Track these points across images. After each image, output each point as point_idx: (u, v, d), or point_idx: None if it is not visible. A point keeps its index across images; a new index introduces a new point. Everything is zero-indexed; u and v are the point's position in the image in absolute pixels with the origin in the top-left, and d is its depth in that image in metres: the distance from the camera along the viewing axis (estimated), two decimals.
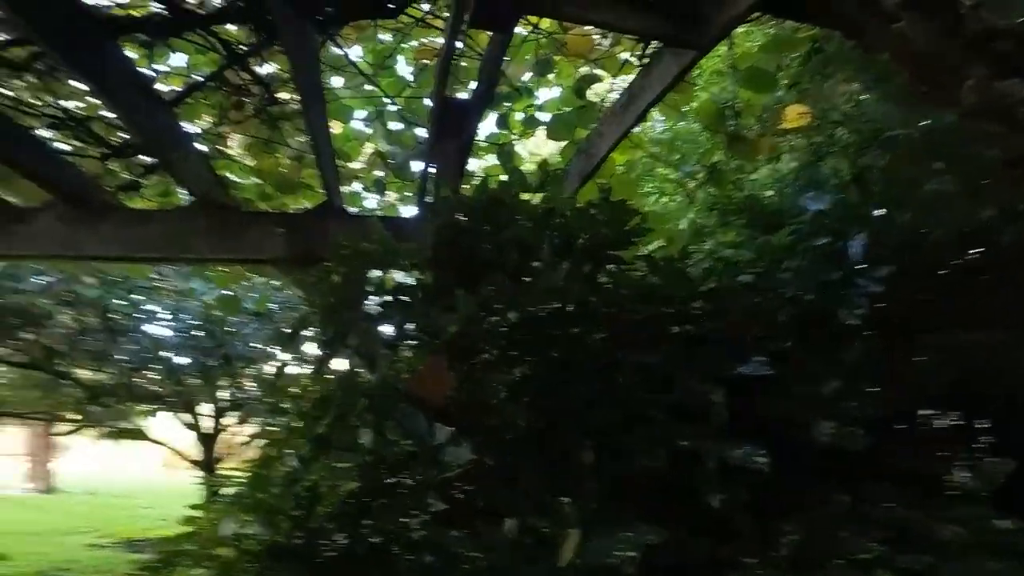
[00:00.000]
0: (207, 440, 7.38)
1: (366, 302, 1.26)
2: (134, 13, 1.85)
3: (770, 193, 2.04)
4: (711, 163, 2.36)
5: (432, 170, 1.90)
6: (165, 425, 7.89)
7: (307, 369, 1.49)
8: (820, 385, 1.09)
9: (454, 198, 1.40)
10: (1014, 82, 0.94)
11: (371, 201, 2.86)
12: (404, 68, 2.46)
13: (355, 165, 2.74)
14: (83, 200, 2.04)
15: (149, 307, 5.78)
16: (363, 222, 1.97)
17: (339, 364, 1.29)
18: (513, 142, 2.67)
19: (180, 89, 2.15)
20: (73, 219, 1.99)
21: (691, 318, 1.22)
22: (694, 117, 2.68)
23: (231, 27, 1.95)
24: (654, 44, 1.80)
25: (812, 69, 2.41)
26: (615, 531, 0.97)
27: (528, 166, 3.10)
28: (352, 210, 2.49)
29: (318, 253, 1.83)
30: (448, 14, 1.97)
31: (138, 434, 6.42)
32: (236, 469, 1.65)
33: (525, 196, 1.48)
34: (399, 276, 1.43)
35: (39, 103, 2.21)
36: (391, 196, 2.74)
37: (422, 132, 2.46)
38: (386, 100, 2.41)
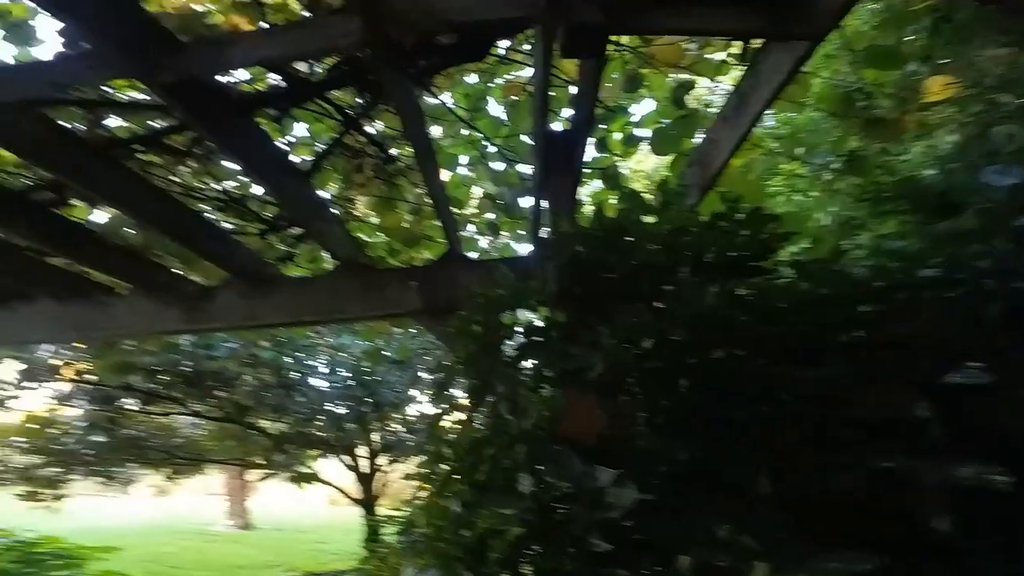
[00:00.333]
0: (365, 479, 7.95)
1: (505, 346, 1.26)
2: (259, 87, 1.98)
3: (930, 173, 1.77)
4: (847, 151, 2.10)
5: (544, 205, 1.89)
6: (329, 466, 8.58)
7: (456, 415, 1.51)
8: None
9: (573, 231, 1.36)
10: None
11: (484, 243, 2.92)
12: (493, 107, 2.52)
13: (467, 210, 2.82)
14: (253, 274, 2.32)
15: (311, 363, 6.50)
16: (486, 267, 2.02)
17: (486, 408, 1.29)
18: (616, 164, 2.59)
19: (308, 158, 2.34)
20: (247, 293, 2.28)
21: (861, 323, 1.06)
22: (815, 106, 2.43)
23: (336, 90, 2.07)
24: (756, 41, 1.67)
25: (944, 39, 2.11)
26: (807, 561, 0.85)
27: (634, 185, 3.00)
28: (471, 255, 2.55)
29: (449, 302, 1.89)
30: (531, 47, 1.99)
31: (312, 478, 7.11)
32: (395, 509, 1.70)
33: (646, 218, 1.41)
34: (530, 316, 1.42)
35: (203, 187, 2.44)
36: (505, 236, 2.78)
37: (524, 168, 2.48)
38: (485, 142, 2.44)
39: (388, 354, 4.95)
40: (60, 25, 1.41)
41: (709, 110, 2.29)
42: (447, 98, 2.38)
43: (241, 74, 1.98)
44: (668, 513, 1.03)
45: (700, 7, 1.43)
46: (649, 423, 1.11)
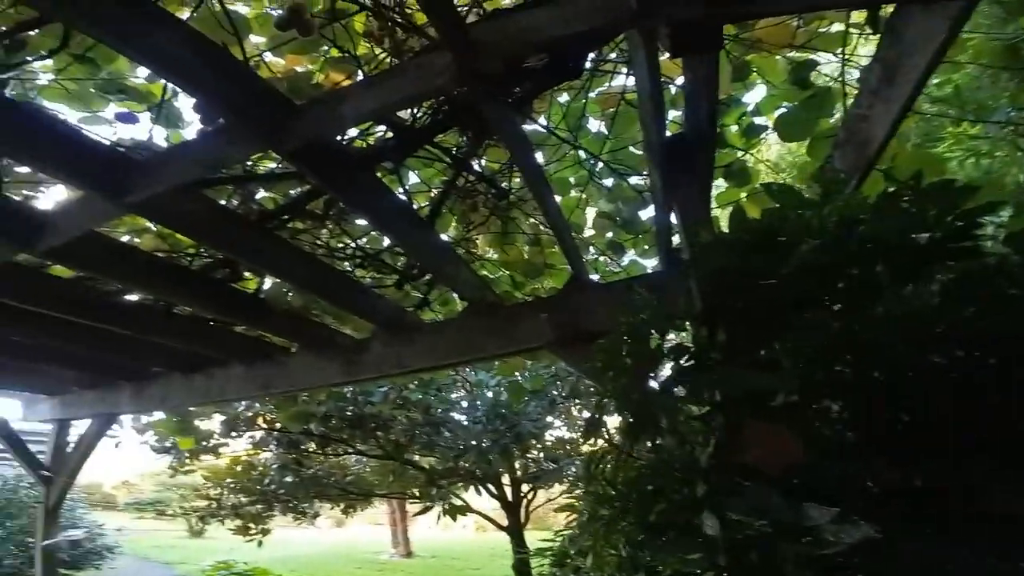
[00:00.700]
0: (510, 507, 7.98)
1: (658, 374, 1.12)
2: (371, 142, 2.01)
3: None
4: None
5: (673, 218, 1.72)
6: (476, 495, 8.76)
7: (599, 445, 1.39)
8: None
9: (716, 239, 1.19)
10: None
11: (608, 263, 2.77)
12: (592, 122, 2.39)
13: (585, 232, 2.70)
14: (396, 324, 2.43)
15: (454, 400, 6.76)
16: (615, 289, 1.90)
17: (645, 443, 1.15)
18: (741, 158, 2.33)
19: (425, 204, 2.38)
20: (393, 341, 2.39)
21: None
22: (973, 62, 1.99)
23: (442, 133, 2.07)
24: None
25: None
26: None
27: (765, 179, 2.68)
28: (596, 278, 2.42)
29: (581, 330, 1.79)
30: (618, 55, 1.85)
31: (465, 509, 7.29)
32: (546, 540, 1.59)
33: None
34: (677, 338, 1.26)
35: (342, 246, 2.57)
36: (629, 253, 2.61)
37: (636, 180, 2.33)
38: (590, 158, 2.32)
39: (525, 386, 4.97)
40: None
41: (837, 86, 1.97)
42: (544, 121, 2.32)
43: (352, 131, 2.06)
44: (889, 547, 0.83)
45: None
46: (856, 445, 0.91)
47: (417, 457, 7.50)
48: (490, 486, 7.78)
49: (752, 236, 1.19)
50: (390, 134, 1.92)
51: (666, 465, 1.08)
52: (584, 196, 2.47)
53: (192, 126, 2.18)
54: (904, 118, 1.51)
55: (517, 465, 7.66)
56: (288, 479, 7.87)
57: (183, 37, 1.23)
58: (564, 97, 2.22)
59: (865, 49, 2.07)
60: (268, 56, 1.98)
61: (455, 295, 2.70)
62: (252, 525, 8.25)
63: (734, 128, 2.31)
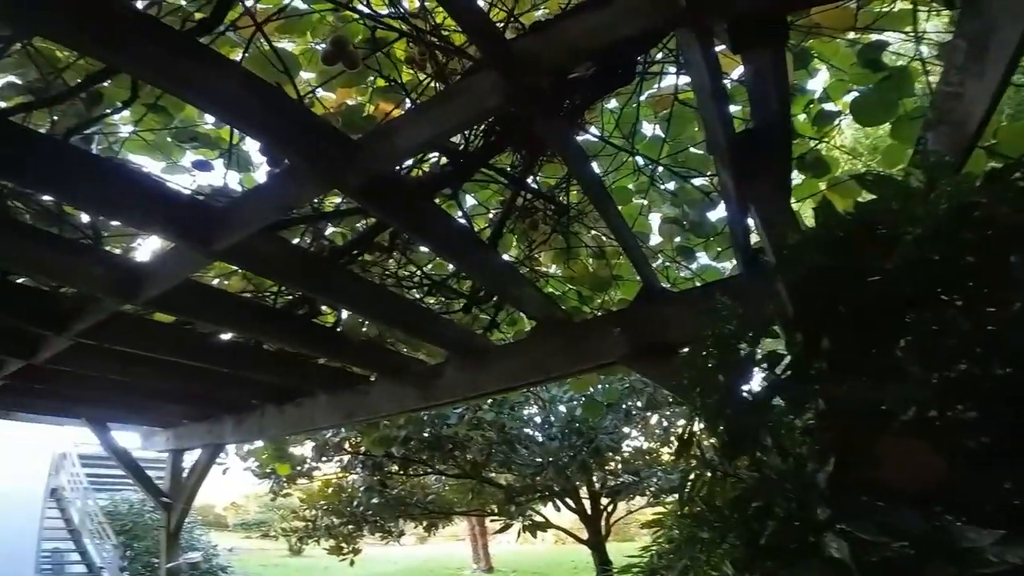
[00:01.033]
0: (590, 520, 7.76)
1: (750, 386, 1.00)
2: (426, 169, 2.00)
3: None
4: None
5: (750, 220, 1.58)
6: (554, 509, 8.62)
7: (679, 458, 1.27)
8: None
9: (806, 237, 1.06)
10: None
11: (677, 269, 2.62)
12: (645, 127, 2.26)
13: (652, 240, 2.57)
14: (468, 347, 2.40)
15: (528, 418, 6.70)
16: (690, 297, 1.76)
17: (743, 460, 1.03)
18: (815, 148, 2.14)
19: (484, 226, 2.34)
20: (467, 366, 2.36)
21: None
22: None
23: (497, 155, 2.02)
24: None
25: None
26: None
27: (845, 167, 2.45)
28: (668, 286, 2.28)
29: (659, 341, 1.67)
30: (663, 56, 1.73)
31: (545, 525, 7.16)
32: (632, 556, 1.46)
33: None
34: (763, 347, 1.14)
35: (409, 275, 2.58)
36: (701, 258, 2.45)
37: (700, 181, 2.19)
38: (649, 164, 2.20)
39: (599, 399, 4.82)
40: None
41: (912, 65, 1.78)
42: (596, 130, 2.24)
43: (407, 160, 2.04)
44: None
45: None
46: (1002, 456, 0.75)
47: (493, 474, 7.48)
48: (568, 500, 7.61)
49: (847, 231, 1.06)
50: (445, 160, 1.92)
51: (774, 483, 0.95)
52: (647, 203, 2.36)
53: (262, 167, 2.27)
54: (1002, 93, 1.32)
55: (595, 478, 7.45)
56: (375, 500, 8.07)
57: (241, 80, 1.24)
58: (613, 103, 2.14)
59: (932, 24, 1.88)
60: (319, 91, 2.02)
61: (523, 315, 2.65)
62: (344, 545, 8.50)
63: (802, 117, 2.14)
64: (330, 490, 8.34)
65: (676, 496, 1.12)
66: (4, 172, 1.46)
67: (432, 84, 1.90)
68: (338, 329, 2.64)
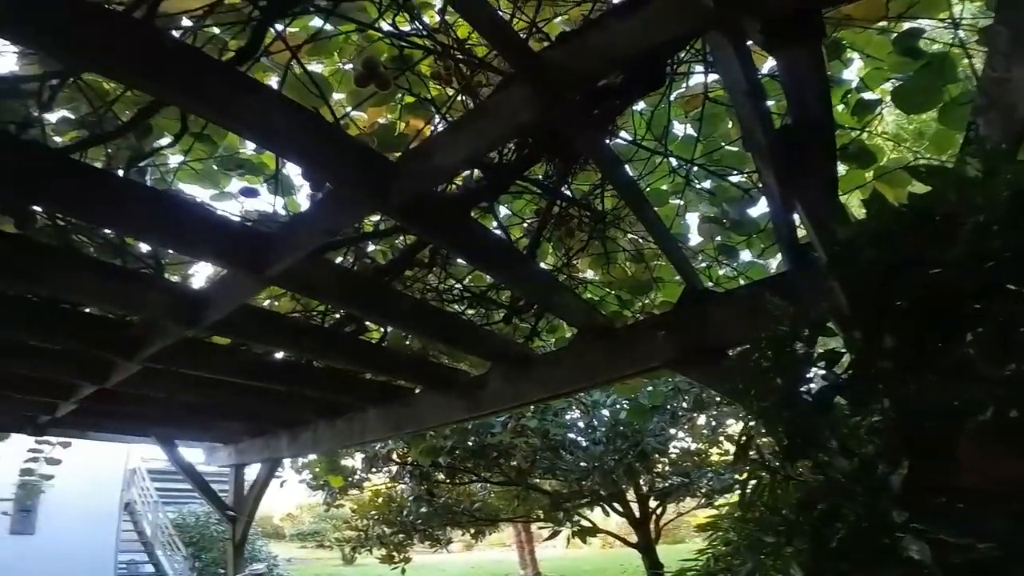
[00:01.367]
0: (638, 523, 7.59)
1: (808, 388, 0.95)
2: (458, 182, 1.97)
3: None
4: None
5: (795, 215, 1.52)
6: (601, 513, 8.50)
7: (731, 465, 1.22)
8: None
9: (860, 230, 1.01)
10: None
11: (720, 268, 2.54)
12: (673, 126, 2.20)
13: (692, 240, 2.50)
14: (510, 357, 2.40)
15: (570, 423, 6.63)
16: (735, 296, 1.71)
17: (805, 463, 0.98)
18: (858, 137, 2.05)
19: (518, 236, 2.33)
20: (510, 375, 2.36)
21: None
22: None
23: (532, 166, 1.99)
24: None
25: None
26: None
27: (887, 154, 2.34)
28: (711, 286, 2.22)
29: (706, 343, 1.62)
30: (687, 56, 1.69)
31: (592, 531, 7.04)
32: (691, 560, 1.41)
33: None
34: (821, 346, 1.08)
35: (448, 288, 2.59)
36: (744, 256, 2.37)
37: (737, 178, 2.13)
38: (683, 164, 2.15)
39: (644, 403, 4.73)
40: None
41: (952, 51, 1.71)
42: (626, 133, 2.20)
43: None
44: None
45: None
46: None
47: (537, 481, 7.43)
48: (616, 504, 7.48)
49: (901, 223, 1.00)
50: (480, 174, 1.92)
51: (841, 486, 0.91)
52: (683, 203, 2.30)
53: (302, 189, 2.32)
54: None
55: (642, 481, 7.30)
56: (423, 509, 8.14)
57: (280, 108, 1.26)
58: (642, 104, 2.10)
59: (967, 10, 1.80)
60: (349, 110, 2.04)
61: (563, 322, 2.62)
62: (395, 553, 8.60)
63: (840, 107, 2.06)
64: (379, 500, 8.47)
65: (730, 498, 1.08)
66: (71, 209, 1.54)
67: (460, 98, 1.92)
68: (384, 344, 2.69)
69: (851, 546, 0.85)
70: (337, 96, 2.01)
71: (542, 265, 2.43)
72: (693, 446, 7.28)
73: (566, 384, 2.20)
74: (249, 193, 2.24)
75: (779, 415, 0.94)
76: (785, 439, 0.92)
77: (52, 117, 1.90)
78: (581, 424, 6.70)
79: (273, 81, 1.93)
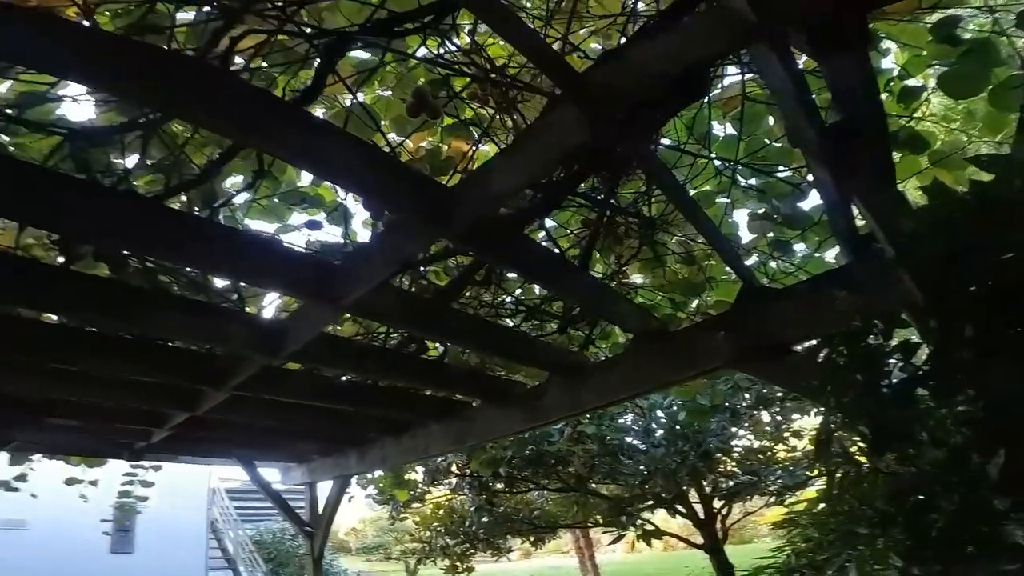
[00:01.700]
0: (704, 524, 7.37)
1: (887, 381, 0.94)
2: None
3: None
4: None
5: (853, 207, 1.48)
6: (662, 515, 8.30)
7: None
8: None
9: (926, 220, 0.99)
10: None
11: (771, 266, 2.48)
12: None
13: (743, 238, 2.46)
14: (566, 367, 2.42)
15: (624, 423, 6.54)
16: (799, 291, 1.67)
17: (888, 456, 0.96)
18: (907, 124, 1.99)
19: (569, 247, 2.34)
20: (568, 384, 2.38)
21: None
22: None
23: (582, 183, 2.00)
24: None
25: None
26: None
27: (939, 137, 2.26)
28: (768, 283, 2.18)
29: (767, 340, 1.60)
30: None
31: (656, 534, 6.88)
32: (770, 557, 1.38)
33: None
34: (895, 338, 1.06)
35: (501, 302, 2.64)
36: (799, 250, 2.31)
37: (784, 173, 2.09)
38: (727, 165, 2.13)
39: (703, 403, 4.62)
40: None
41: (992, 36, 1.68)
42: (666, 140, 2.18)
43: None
44: None
45: None
46: None
47: (594, 486, 7.34)
48: (678, 506, 7.29)
49: (964, 210, 0.97)
50: (532, 193, 1.96)
51: (934, 476, 0.88)
52: (730, 202, 2.28)
53: (359, 216, 2.42)
54: None
55: (705, 482, 7.08)
56: (484, 519, 8.18)
57: (343, 143, 1.30)
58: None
59: None
60: (403, 140, 2.11)
61: (616, 328, 2.62)
62: (459, 564, 8.65)
63: (883, 96, 2.01)
64: (441, 511, 8.57)
65: (803, 495, 1.06)
66: (162, 253, 1.66)
67: (500, 117, 1.97)
68: (445, 361, 2.76)
69: (950, 535, 0.83)
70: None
71: (592, 274, 2.44)
72: (757, 444, 7.00)
73: (624, 390, 2.20)
74: (313, 226, 2.37)
75: (860, 409, 0.92)
76: (870, 433, 0.90)
77: (128, 162, 2.04)
78: (636, 427, 6.59)
79: (318, 111, 2.02)
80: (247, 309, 2.39)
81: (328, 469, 4.52)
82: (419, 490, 8.05)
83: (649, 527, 6.90)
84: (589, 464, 6.29)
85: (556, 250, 2.25)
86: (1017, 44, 1.72)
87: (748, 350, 1.64)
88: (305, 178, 2.43)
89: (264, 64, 1.80)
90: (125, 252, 1.98)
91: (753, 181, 2.19)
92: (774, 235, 2.16)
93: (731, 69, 1.98)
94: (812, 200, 2.06)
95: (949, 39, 1.68)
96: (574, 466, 6.38)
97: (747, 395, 6.03)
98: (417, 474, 7.49)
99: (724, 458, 6.60)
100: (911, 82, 1.96)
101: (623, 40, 1.83)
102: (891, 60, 2.06)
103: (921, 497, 0.85)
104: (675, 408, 5.99)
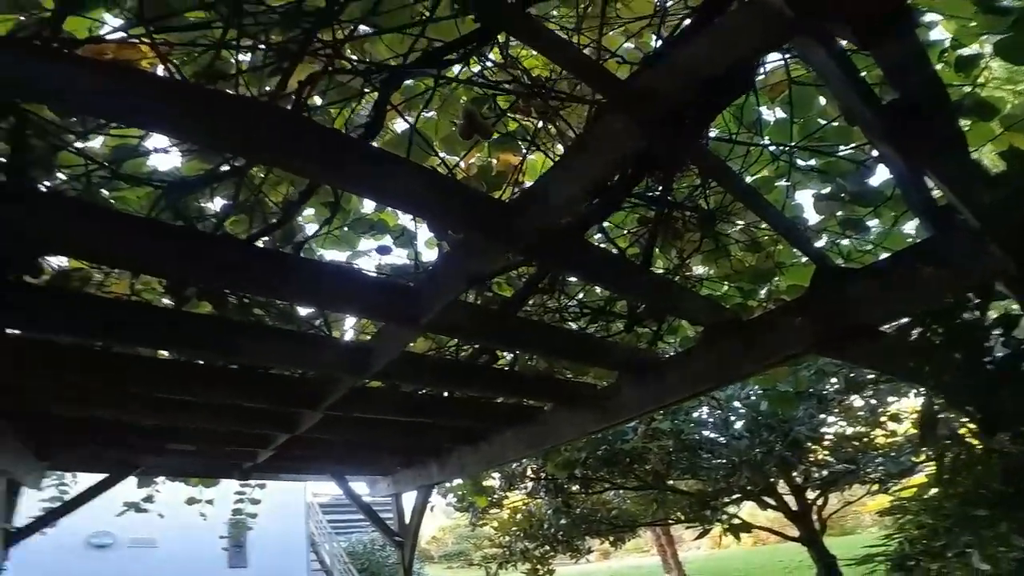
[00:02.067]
0: (798, 516, 6.98)
1: (991, 357, 0.89)
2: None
3: None
4: None
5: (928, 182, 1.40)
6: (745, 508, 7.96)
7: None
8: None
9: (1013, 189, 0.94)
10: None
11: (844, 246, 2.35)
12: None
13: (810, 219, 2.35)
14: (637, 364, 2.40)
15: (699, 416, 6.34)
16: (879, 268, 1.58)
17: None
18: (971, 92, 1.86)
19: (628, 246, 2.33)
20: (639, 382, 2.37)
21: None
22: None
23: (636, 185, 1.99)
24: None
25: None
26: None
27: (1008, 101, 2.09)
28: (842, 263, 2.08)
29: (850, 322, 1.53)
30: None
31: (745, 527, 6.61)
32: (880, 546, 1.31)
33: None
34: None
35: (563, 306, 2.66)
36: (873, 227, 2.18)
37: (845, 151, 1.99)
38: (783, 149, 2.05)
39: (788, 390, 4.38)
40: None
41: None
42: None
43: None
44: None
45: None
46: None
47: (673, 482, 7.15)
48: (766, 498, 6.96)
49: None
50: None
51: None
52: (791, 184, 2.19)
53: (422, 236, 2.52)
54: None
55: (795, 473, 6.70)
56: (562, 521, 8.16)
57: (409, 172, 1.35)
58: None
59: None
60: (458, 161, 2.17)
61: (684, 322, 2.58)
62: (539, 567, 8.66)
63: (939, 67, 1.89)
64: (519, 516, 8.64)
65: (909, 481, 1.01)
66: (259, 288, 1.81)
67: (544, 126, 2.00)
68: (515, 369, 2.82)
69: None
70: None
71: (654, 270, 2.42)
72: (850, 430, 6.55)
73: (699, 383, 2.16)
74: (384, 251, 2.51)
75: (963, 389, 0.88)
76: (978, 413, 0.86)
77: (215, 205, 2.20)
78: (714, 420, 6.36)
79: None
80: (333, 334, 2.55)
81: (411, 480, 4.69)
82: (497, 495, 8.17)
83: (736, 521, 6.63)
84: (666, 460, 6.15)
85: (615, 251, 2.25)
86: None
87: (829, 334, 1.57)
88: (368, 205, 2.56)
89: (319, 100, 1.88)
90: (225, 290, 2.18)
91: (813, 162, 2.11)
92: (843, 214, 2.06)
93: (772, 55, 1.92)
94: (882, 175, 1.95)
95: (995, 10, 1.58)
96: (651, 463, 6.25)
97: (834, 380, 5.66)
98: (494, 480, 7.61)
99: (815, 447, 6.22)
100: (965, 51, 1.84)
101: (658, 42, 1.83)
102: (940, 31, 1.93)
103: None
104: (754, 398, 5.72)
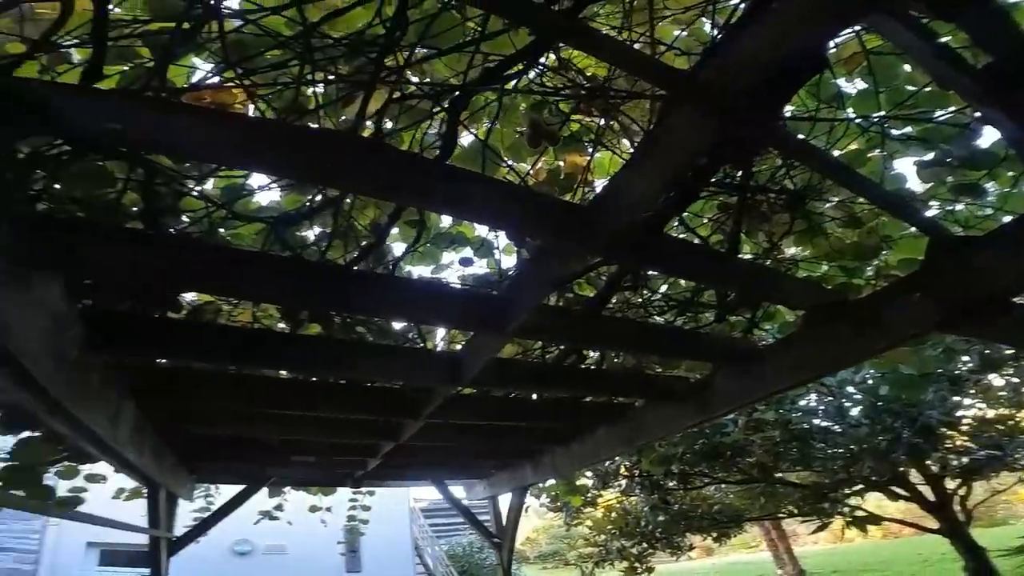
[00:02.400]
0: (935, 507, 6.31)
1: None
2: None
3: None
4: None
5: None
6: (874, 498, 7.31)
7: None
8: None
9: None
10: None
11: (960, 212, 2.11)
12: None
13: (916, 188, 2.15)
14: (733, 354, 2.31)
15: (807, 404, 5.92)
16: (1004, 233, 1.41)
17: None
18: None
19: (709, 235, 2.24)
20: (736, 373, 2.28)
21: None
22: None
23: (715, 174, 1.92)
24: None
25: None
26: None
27: None
28: (959, 231, 1.88)
29: (979, 294, 1.38)
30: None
31: (872, 519, 6.06)
32: None
33: None
34: None
35: (648, 301, 2.62)
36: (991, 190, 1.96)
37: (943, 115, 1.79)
38: (869, 121, 1.88)
39: (913, 372, 3.98)
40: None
41: None
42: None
43: None
44: None
45: None
46: None
47: (781, 474, 6.71)
48: (896, 488, 6.33)
49: None
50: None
51: None
52: (887, 154, 2.01)
53: (499, 245, 2.60)
54: None
55: (929, 461, 6.03)
56: (660, 518, 7.96)
57: (485, 187, 1.39)
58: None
59: None
60: (529, 169, 2.19)
61: (780, 307, 2.45)
62: (638, 565, 8.49)
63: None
64: (614, 514, 8.53)
65: None
66: (360, 308, 1.94)
67: (608, 124, 1.98)
68: (603, 367, 2.82)
69: None
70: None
71: (742, 257, 2.32)
72: (991, 413, 5.80)
73: (803, 371, 2.03)
74: (467, 263, 2.62)
75: None
76: None
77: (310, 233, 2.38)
78: (825, 408, 5.88)
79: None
80: (427, 345, 2.70)
81: (506, 482, 4.81)
82: (591, 494, 8.13)
83: (860, 513, 6.10)
84: (773, 452, 5.79)
85: (696, 240, 2.19)
86: None
87: (953, 309, 1.43)
88: (446, 219, 2.68)
89: (388, 123, 1.96)
90: (331, 312, 2.39)
91: (909, 129, 1.92)
92: (953, 179, 1.86)
93: None
94: (991, 135, 1.74)
95: None
96: (755, 456, 5.92)
97: (967, 358, 5.04)
98: (588, 479, 7.59)
99: (951, 432, 5.56)
100: None
101: (713, 30, 1.76)
102: None
103: None
104: (872, 382, 5.22)
